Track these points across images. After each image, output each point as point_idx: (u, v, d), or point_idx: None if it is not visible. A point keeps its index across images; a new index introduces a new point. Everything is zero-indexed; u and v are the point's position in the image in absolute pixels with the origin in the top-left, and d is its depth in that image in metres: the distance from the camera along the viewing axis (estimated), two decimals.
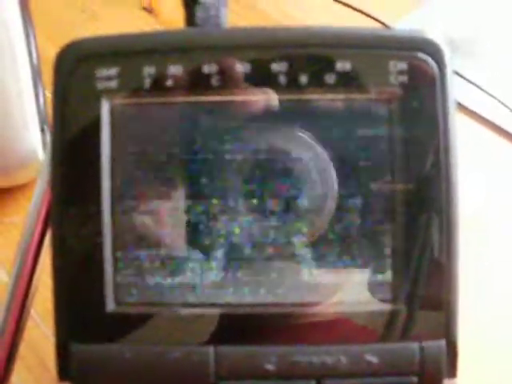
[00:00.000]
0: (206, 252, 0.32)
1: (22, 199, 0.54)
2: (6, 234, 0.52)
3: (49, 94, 0.31)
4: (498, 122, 0.59)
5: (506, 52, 0.65)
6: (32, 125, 0.52)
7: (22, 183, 0.54)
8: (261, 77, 0.31)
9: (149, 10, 0.71)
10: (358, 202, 0.32)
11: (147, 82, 0.31)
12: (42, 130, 0.53)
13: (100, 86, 0.31)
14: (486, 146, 0.58)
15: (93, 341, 0.31)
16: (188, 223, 0.32)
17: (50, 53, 0.32)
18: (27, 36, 0.51)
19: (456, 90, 0.32)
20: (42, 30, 0.54)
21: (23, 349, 0.37)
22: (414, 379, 0.31)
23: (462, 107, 0.59)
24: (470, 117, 0.59)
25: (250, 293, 0.32)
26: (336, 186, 0.32)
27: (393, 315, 0.31)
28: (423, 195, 0.31)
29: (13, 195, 0.54)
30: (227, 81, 0.31)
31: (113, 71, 0.31)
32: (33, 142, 0.52)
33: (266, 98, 0.31)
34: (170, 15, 0.70)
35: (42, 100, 0.53)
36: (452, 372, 0.32)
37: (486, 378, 0.43)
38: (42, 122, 0.53)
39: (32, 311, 0.37)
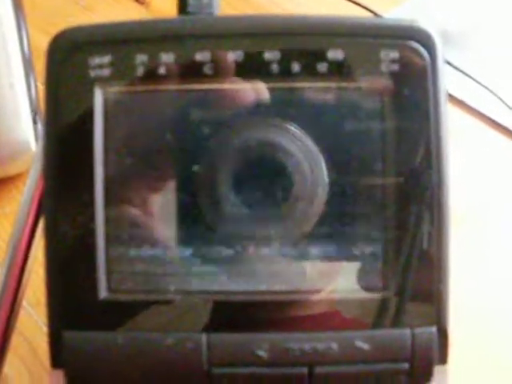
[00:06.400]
0: (199, 241, 0.32)
1: (14, 190, 0.54)
2: None
3: (41, 86, 0.31)
4: (488, 112, 0.59)
5: (499, 43, 0.65)
6: (24, 116, 0.52)
7: (14, 174, 0.54)
8: (253, 65, 0.31)
9: (140, 0, 0.71)
10: (348, 193, 0.32)
11: (140, 70, 0.31)
12: (34, 121, 0.53)
13: (93, 74, 0.31)
14: (477, 137, 0.58)
15: (85, 328, 0.31)
16: (179, 211, 0.32)
17: (42, 44, 0.32)
18: (19, 27, 0.51)
19: (447, 80, 0.32)
20: (33, 21, 0.54)
21: (15, 338, 0.37)
22: (405, 366, 0.31)
23: (452, 98, 0.59)
24: (460, 107, 0.60)
25: (243, 281, 0.32)
26: (326, 178, 0.31)
27: (384, 303, 0.31)
28: (414, 186, 0.31)
29: (5, 186, 0.54)
30: (219, 69, 0.31)
31: (106, 59, 0.31)
32: (25, 133, 0.52)
33: (258, 87, 0.31)
34: (161, 6, 0.70)
35: (34, 91, 0.53)
36: (443, 358, 0.32)
37: (477, 364, 0.43)
38: (34, 113, 0.52)
39: (24, 301, 0.37)
